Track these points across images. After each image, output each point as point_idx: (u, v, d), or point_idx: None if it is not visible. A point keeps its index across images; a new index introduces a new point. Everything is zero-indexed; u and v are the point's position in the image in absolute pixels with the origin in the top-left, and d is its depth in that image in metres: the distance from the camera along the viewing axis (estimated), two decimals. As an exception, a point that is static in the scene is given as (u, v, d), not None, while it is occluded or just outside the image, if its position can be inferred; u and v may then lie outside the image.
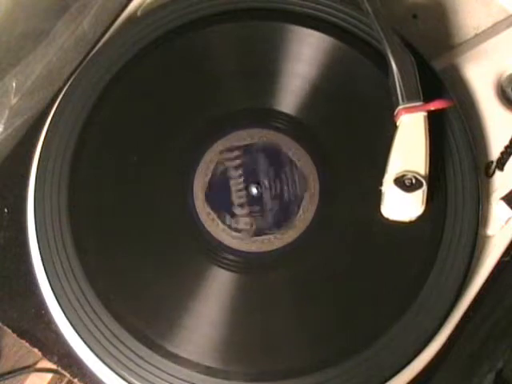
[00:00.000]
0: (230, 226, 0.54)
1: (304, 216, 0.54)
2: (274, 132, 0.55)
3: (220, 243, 0.53)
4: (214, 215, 0.54)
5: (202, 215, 0.54)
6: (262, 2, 0.57)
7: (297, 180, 0.55)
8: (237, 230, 0.54)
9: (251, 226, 0.54)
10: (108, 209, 0.54)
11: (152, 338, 0.51)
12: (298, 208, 0.54)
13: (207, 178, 0.55)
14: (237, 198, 0.54)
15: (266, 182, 0.55)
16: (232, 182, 0.55)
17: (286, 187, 0.55)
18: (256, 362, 0.51)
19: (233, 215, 0.54)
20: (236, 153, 0.55)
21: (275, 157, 0.55)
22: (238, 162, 0.55)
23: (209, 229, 0.54)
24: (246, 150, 0.55)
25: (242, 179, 0.55)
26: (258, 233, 0.54)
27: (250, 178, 0.55)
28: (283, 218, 0.54)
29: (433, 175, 0.52)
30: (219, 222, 0.54)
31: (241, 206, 0.54)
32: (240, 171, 0.55)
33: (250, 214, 0.54)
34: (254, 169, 0.55)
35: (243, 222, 0.54)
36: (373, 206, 0.53)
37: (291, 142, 0.55)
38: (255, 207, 0.54)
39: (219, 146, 0.55)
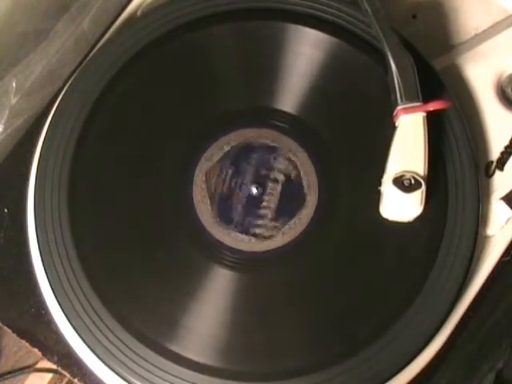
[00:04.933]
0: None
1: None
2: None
3: (220, 242, 0.54)
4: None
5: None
6: (261, 2, 0.57)
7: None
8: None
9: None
10: (108, 209, 0.54)
11: (152, 337, 0.51)
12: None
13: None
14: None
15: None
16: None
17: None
18: (256, 362, 0.51)
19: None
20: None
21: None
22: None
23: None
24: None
25: (241, 179, 0.55)
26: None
27: (250, 178, 0.55)
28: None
29: (433, 175, 0.52)
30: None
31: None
32: (240, 171, 0.55)
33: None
34: (254, 169, 0.55)
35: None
36: (373, 205, 0.53)
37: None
38: (254, 207, 0.54)
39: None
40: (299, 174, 0.55)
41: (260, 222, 0.54)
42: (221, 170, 0.55)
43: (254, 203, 0.54)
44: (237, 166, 0.55)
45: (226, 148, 0.55)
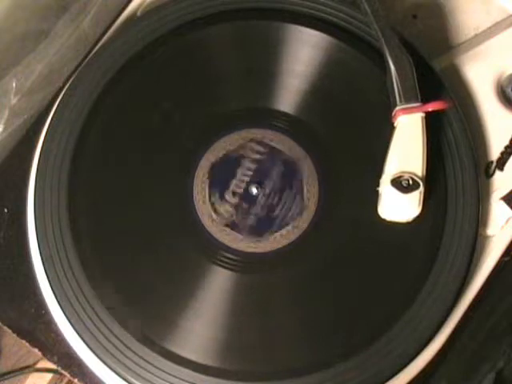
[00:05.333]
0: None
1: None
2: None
3: (220, 243, 0.54)
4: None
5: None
6: (261, 2, 0.57)
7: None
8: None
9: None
10: (108, 209, 0.54)
11: (152, 337, 0.51)
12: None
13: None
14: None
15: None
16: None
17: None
18: (256, 362, 0.51)
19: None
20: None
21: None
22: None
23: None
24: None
25: (249, 174, 0.54)
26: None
27: (257, 177, 0.55)
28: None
29: (433, 175, 0.52)
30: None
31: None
32: (253, 167, 0.55)
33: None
34: (254, 169, 0.55)
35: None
36: (373, 205, 0.53)
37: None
38: (245, 203, 0.54)
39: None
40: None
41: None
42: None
43: (246, 200, 0.54)
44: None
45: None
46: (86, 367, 0.53)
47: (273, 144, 0.55)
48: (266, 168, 0.55)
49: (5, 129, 0.57)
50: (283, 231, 0.54)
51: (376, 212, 0.52)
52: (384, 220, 0.52)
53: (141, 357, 0.51)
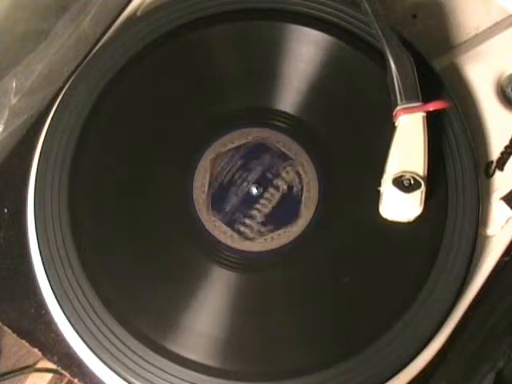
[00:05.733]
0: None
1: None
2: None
3: (220, 242, 0.54)
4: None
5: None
6: (261, 2, 0.57)
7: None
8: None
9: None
10: (108, 209, 0.54)
11: (152, 337, 0.51)
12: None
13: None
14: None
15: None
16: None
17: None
18: (256, 362, 0.51)
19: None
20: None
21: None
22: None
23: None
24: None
25: (242, 178, 0.55)
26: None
27: (251, 177, 0.55)
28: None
29: (433, 175, 0.52)
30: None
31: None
32: (241, 170, 0.55)
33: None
34: (255, 168, 0.55)
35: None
36: (373, 205, 0.53)
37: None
38: (245, 203, 0.54)
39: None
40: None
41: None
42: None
43: (251, 202, 0.54)
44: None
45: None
46: (86, 367, 0.53)
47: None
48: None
49: (5, 129, 0.57)
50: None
51: (376, 212, 0.52)
52: (384, 220, 0.52)
53: (141, 357, 0.51)
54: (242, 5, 0.57)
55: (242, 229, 0.54)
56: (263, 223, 0.54)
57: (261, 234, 0.54)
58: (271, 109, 0.56)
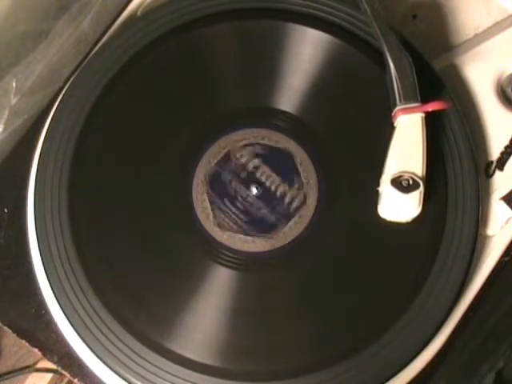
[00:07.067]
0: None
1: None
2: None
3: (220, 242, 0.54)
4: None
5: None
6: (261, 2, 0.57)
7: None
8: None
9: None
10: (108, 208, 0.54)
11: (152, 337, 0.51)
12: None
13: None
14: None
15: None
16: (239, 171, 0.55)
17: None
18: (256, 362, 0.51)
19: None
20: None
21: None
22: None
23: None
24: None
25: (242, 177, 0.55)
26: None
27: (251, 176, 0.55)
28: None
29: (433, 175, 0.52)
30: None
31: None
32: (242, 170, 0.55)
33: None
34: (255, 168, 0.55)
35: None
36: (373, 205, 0.53)
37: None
38: (245, 203, 0.54)
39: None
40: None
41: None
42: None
43: (251, 202, 0.54)
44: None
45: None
46: (86, 367, 0.53)
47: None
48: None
49: (5, 129, 0.57)
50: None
51: (376, 212, 0.52)
52: (384, 220, 0.52)
53: (141, 356, 0.51)
54: (242, 4, 0.57)
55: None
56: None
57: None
58: (271, 108, 0.56)
